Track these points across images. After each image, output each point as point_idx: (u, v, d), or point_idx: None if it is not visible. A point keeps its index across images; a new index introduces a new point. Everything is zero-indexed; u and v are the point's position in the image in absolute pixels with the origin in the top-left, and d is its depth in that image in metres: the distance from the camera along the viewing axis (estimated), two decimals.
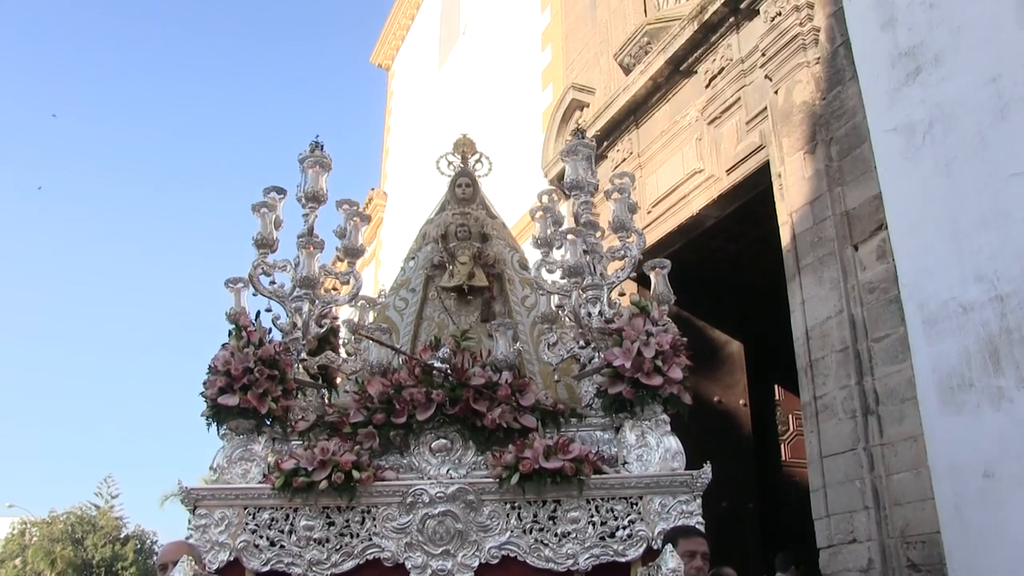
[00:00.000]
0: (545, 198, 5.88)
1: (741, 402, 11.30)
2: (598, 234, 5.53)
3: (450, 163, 6.39)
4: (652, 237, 10.50)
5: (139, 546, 44.96)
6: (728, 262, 10.93)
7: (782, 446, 11.64)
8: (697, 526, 4.35)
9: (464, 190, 6.31)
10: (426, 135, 20.31)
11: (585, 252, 5.13)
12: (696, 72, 10.23)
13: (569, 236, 5.04)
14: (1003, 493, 5.88)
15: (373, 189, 23.66)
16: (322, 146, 5.36)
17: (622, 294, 5.36)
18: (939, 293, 6.57)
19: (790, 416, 11.50)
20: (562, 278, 5.16)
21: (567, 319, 5.40)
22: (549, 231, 5.62)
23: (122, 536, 44.81)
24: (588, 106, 12.45)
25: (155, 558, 43.82)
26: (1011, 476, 5.85)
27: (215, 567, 4.38)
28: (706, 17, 9.74)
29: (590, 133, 11.58)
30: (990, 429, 6.03)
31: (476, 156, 6.41)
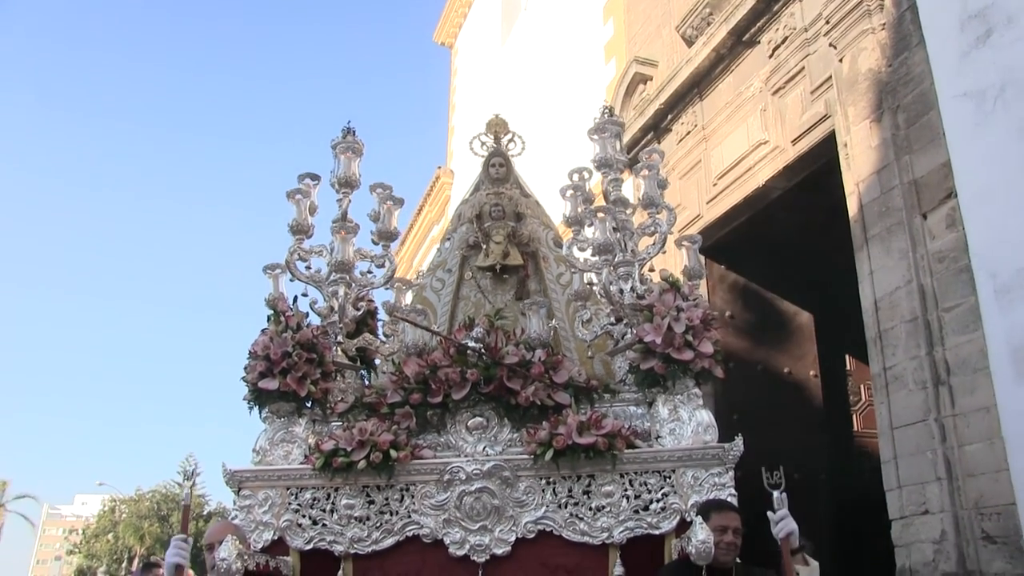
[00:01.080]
0: (576, 176, 5.86)
1: (812, 373, 11.10)
2: (628, 211, 5.54)
3: (483, 143, 6.50)
4: (718, 210, 10.47)
5: None
6: (796, 233, 10.64)
7: (854, 416, 11.45)
8: (730, 499, 4.38)
9: (498, 170, 6.40)
10: (490, 112, 20.25)
11: (615, 229, 5.15)
12: (759, 42, 10.03)
13: (599, 214, 5.07)
14: None
15: (440, 167, 23.72)
16: (354, 131, 5.47)
17: (652, 270, 5.38)
18: (1013, 261, 6.38)
19: (861, 386, 11.25)
20: (592, 255, 5.21)
21: (600, 296, 5.44)
22: (580, 209, 5.65)
23: (205, 513, 46.19)
24: (651, 79, 12.28)
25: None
26: None
27: (260, 546, 4.54)
28: None
29: (653, 107, 11.56)
30: None
31: (508, 136, 6.52)
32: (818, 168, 9.26)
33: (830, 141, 8.73)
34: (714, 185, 10.54)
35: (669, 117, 11.55)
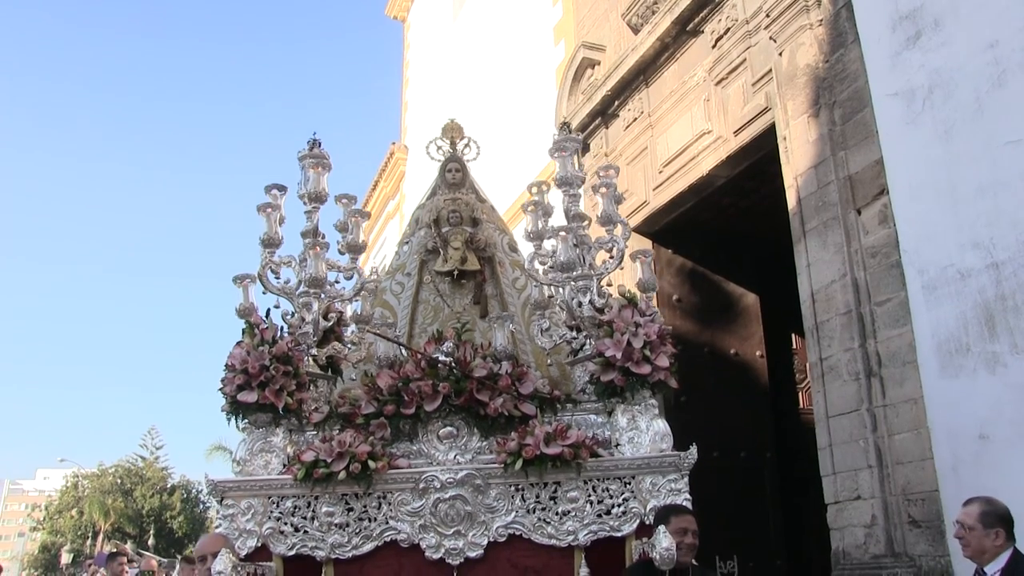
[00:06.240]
0: (535, 190, 6.07)
1: (758, 353, 11.36)
2: (586, 223, 5.76)
3: (439, 148, 6.60)
4: (664, 196, 10.65)
5: (185, 496, 45.94)
6: (742, 217, 10.94)
7: (800, 395, 11.72)
8: (685, 503, 4.68)
9: (454, 175, 6.53)
10: (443, 88, 20.26)
11: (575, 245, 5.39)
12: (703, 32, 10.15)
13: (560, 234, 5.31)
14: (997, 455, 6.06)
15: (394, 143, 23.67)
16: (320, 143, 5.56)
17: (609, 284, 5.63)
18: (938, 259, 6.68)
19: (808, 365, 11.47)
20: (552, 268, 5.46)
21: (559, 307, 5.67)
22: (540, 224, 5.85)
23: (168, 486, 45.74)
24: (599, 64, 12.39)
25: (201, 507, 44.82)
26: (1004, 438, 6.04)
27: (244, 553, 4.73)
28: None
29: (601, 92, 11.66)
30: (985, 393, 6.19)
31: (464, 141, 6.61)
32: (760, 158, 9.44)
33: (771, 133, 8.90)
34: (660, 172, 10.71)
35: (616, 103, 11.69)
